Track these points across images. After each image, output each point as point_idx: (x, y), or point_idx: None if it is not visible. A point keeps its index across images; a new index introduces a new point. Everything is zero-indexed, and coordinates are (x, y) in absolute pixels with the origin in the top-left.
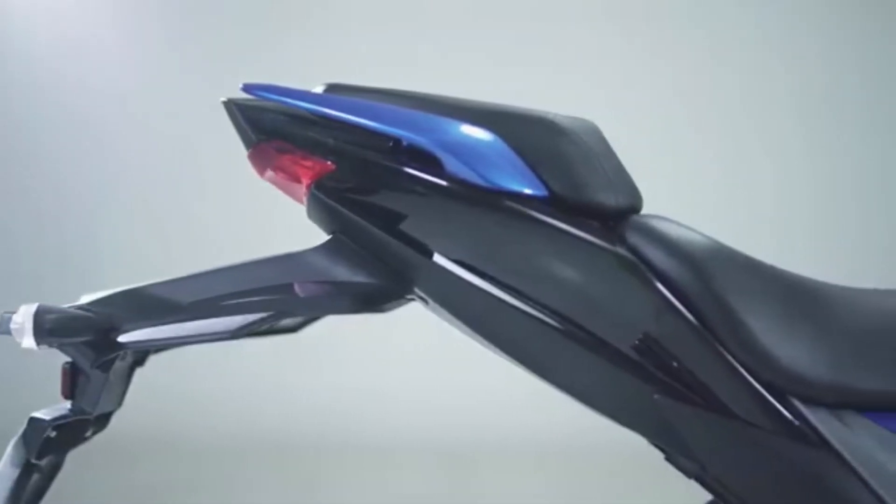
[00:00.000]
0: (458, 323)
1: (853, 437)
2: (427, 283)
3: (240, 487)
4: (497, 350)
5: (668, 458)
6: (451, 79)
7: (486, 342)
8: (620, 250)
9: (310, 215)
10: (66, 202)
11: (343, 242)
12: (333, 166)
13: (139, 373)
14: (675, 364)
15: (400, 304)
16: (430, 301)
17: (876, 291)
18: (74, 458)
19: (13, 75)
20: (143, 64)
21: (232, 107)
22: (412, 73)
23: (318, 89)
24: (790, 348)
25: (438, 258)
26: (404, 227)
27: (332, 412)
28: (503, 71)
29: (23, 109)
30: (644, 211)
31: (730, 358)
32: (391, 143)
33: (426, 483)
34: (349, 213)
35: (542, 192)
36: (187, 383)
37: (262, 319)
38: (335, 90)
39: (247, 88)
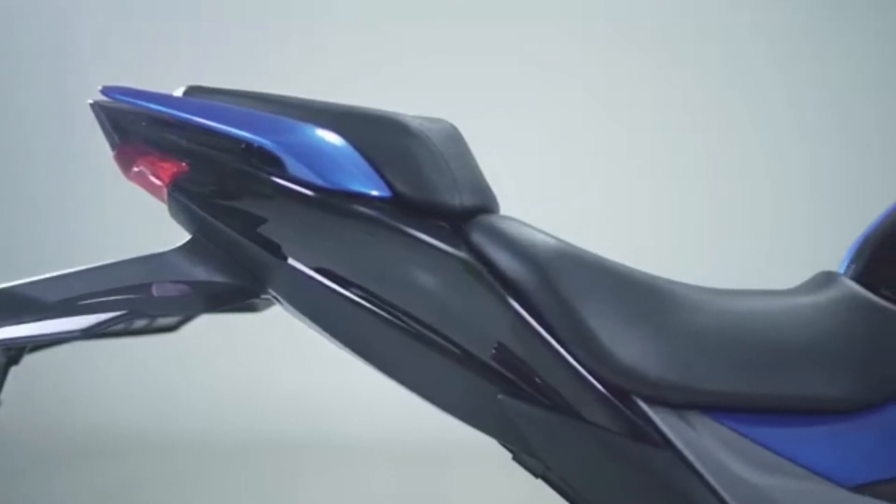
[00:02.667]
0: (309, 323)
1: (696, 437)
2: (278, 283)
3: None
4: (347, 350)
5: (515, 458)
6: (450, 78)
7: (336, 342)
8: (458, 252)
9: (172, 215)
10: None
11: (202, 243)
12: (188, 168)
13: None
14: (517, 365)
15: (269, 304)
16: (282, 301)
17: (727, 292)
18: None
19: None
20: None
21: (97, 109)
22: (412, 72)
23: (179, 92)
24: (633, 348)
25: (288, 259)
26: (254, 228)
27: (308, 412)
28: (502, 71)
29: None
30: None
31: (570, 359)
32: (243, 146)
33: (401, 483)
34: (204, 213)
35: (385, 192)
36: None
37: (115, 319)
38: (193, 93)
39: (105, 91)
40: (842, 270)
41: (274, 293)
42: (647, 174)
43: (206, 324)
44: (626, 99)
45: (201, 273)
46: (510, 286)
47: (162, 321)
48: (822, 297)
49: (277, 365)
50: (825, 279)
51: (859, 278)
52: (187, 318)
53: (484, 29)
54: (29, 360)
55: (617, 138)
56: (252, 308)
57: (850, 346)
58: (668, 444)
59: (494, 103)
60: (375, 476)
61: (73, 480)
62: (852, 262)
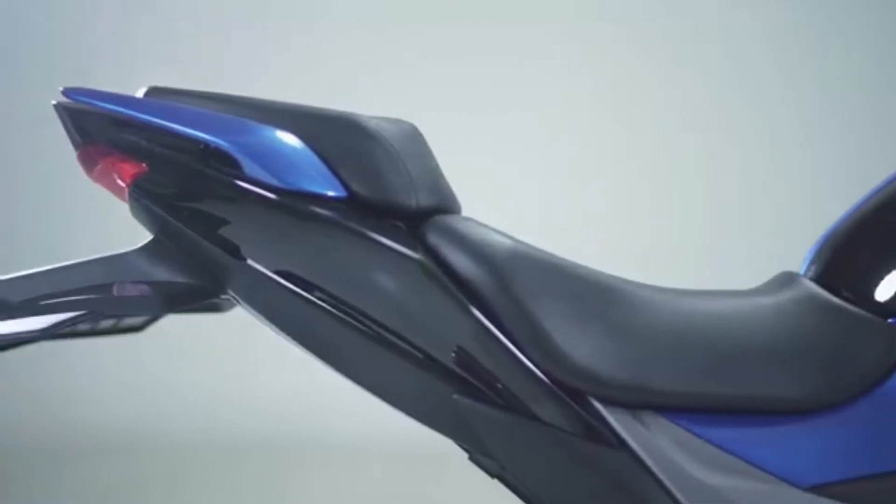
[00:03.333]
0: (268, 324)
1: (650, 438)
2: (237, 284)
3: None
4: (305, 351)
5: (471, 458)
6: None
7: (294, 343)
8: (413, 252)
9: (133, 215)
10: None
11: (162, 243)
12: (148, 168)
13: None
14: (471, 365)
15: (233, 304)
16: (241, 301)
17: (685, 292)
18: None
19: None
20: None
21: (59, 110)
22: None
23: (140, 93)
24: (588, 349)
25: (247, 260)
26: (213, 228)
27: (304, 411)
28: (499, 71)
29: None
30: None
31: (524, 359)
32: (202, 147)
33: (397, 483)
34: (164, 214)
35: (341, 193)
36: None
37: (75, 319)
38: (154, 94)
39: (66, 93)
40: (802, 271)
41: (233, 293)
42: (647, 174)
43: (204, 323)
44: (625, 99)
45: (162, 273)
46: (464, 286)
47: (128, 321)
48: (780, 298)
49: (274, 364)
50: (785, 279)
51: (819, 279)
52: (154, 318)
53: (481, 29)
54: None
55: (616, 138)
56: (216, 308)
57: (806, 347)
58: (622, 444)
59: (492, 103)
60: (371, 476)
61: (65, 480)
62: (812, 262)
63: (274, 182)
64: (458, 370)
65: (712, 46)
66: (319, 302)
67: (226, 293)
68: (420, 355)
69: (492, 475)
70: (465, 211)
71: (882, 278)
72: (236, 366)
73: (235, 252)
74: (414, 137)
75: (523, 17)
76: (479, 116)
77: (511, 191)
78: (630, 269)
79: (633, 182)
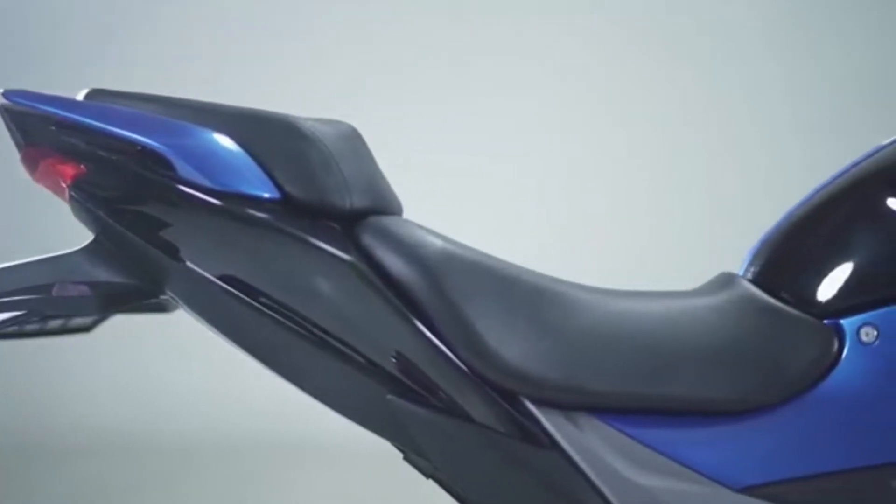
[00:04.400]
0: (206, 325)
1: (582, 438)
2: (175, 284)
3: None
4: (244, 352)
5: (406, 458)
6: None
7: (233, 345)
8: (345, 253)
9: (75, 216)
10: None
11: (103, 244)
12: (87, 170)
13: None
14: (404, 366)
15: (173, 305)
16: (179, 302)
17: (621, 292)
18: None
19: None
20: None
21: (2, 111)
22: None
23: (80, 95)
24: (520, 349)
25: (184, 261)
26: (150, 230)
27: (293, 411)
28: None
29: None
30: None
31: (456, 360)
32: (139, 149)
33: (392, 485)
34: (103, 215)
35: (275, 194)
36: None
37: (14, 319)
38: (95, 96)
39: (6, 94)
40: (741, 272)
41: (172, 294)
42: (645, 171)
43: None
44: (622, 95)
45: (101, 274)
46: (397, 287)
47: (77, 321)
48: (717, 299)
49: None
50: (724, 281)
51: (757, 280)
52: (101, 319)
53: (476, 28)
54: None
55: (613, 136)
56: (161, 308)
57: (740, 348)
58: (554, 444)
59: (486, 102)
60: (369, 476)
61: (60, 479)
62: (751, 264)
63: (208, 184)
64: (390, 371)
65: (708, 41)
66: (255, 304)
67: (165, 294)
68: (354, 356)
69: (426, 475)
70: (463, 210)
71: (818, 280)
72: (234, 365)
73: (173, 253)
74: (351, 139)
75: (517, 13)
76: (474, 116)
77: (507, 190)
78: (628, 267)
79: (630, 179)
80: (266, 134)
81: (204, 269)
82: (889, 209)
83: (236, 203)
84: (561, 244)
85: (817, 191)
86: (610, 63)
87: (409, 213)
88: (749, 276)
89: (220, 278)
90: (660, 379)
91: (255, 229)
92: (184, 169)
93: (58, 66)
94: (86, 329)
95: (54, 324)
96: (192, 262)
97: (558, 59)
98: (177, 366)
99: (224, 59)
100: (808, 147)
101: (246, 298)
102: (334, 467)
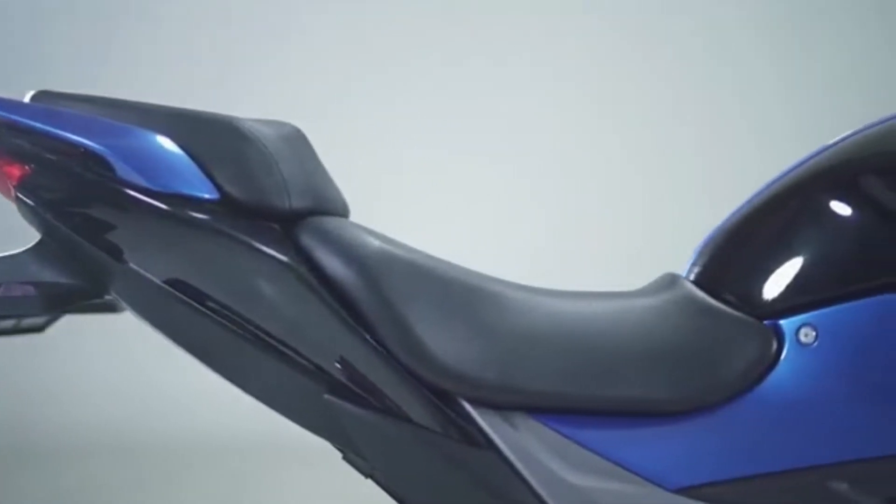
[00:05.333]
0: (148, 325)
1: (519, 439)
2: (118, 285)
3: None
4: (187, 353)
5: (345, 458)
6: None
7: (176, 345)
8: (282, 254)
9: (22, 216)
10: None
11: (49, 244)
12: (31, 171)
13: None
14: (341, 367)
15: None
16: (123, 303)
17: (562, 293)
18: None
19: None
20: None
21: None
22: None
23: (27, 97)
24: (457, 350)
25: (126, 262)
26: (93, 231)
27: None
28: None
29: None
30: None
31: (393, 360)
32: (81, 150)
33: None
34: (48, 215)
35: (214, 195)
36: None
37: None
38: (41, 97)
39: None
40: (685, 273)
41: (116, 295)
42: (639, 170)
43: None
44: (614, 94)
45: (47, 274)
46: (334, 288)
47: (29, 321)
48: (658, 300)
49: None
50: (668, 281)
51: (699, 281)
52: (53, 319)
53: (468, 27)
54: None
55: (606, 134)
56: (110, 308)
57: (679, 349)
58: (490, 445)
59: (480, 102)
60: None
61: (52, 480)
62: (694, 264)
63: (147, 185)
64: (329, 372)
65: (703, 40)
66: (195, 304)
67: (109, 294)
68: (293, 356)
69: (365, 475)
70: (460, 210)
71: (758, 280)
72: None
73: (117, 254)
74: (293, 140)
75: (511, 13)
76: (468, 115)
77: (502, 190)
78: (622, 266)
79: (625, 179)
80: (206, 135)
81: (145, 270)
82: (828, 210)
83: (176, 204)
84: (556, 245)
85: (760, 191)
86: (603, 63)
87: (404, 213)
88: (692, 276)
89: (161, 279)
90: (597, 379)
91: (194, 230)
92: (123, 170)
93: (60, 66)
94: (38, 329)
95: (6, 324)
96: (135, 262)
97: (551, 60)
98: (170, 365)
99: (224, 59)
100: (803, 147)
101: (186, 299)
102: (330, 468)
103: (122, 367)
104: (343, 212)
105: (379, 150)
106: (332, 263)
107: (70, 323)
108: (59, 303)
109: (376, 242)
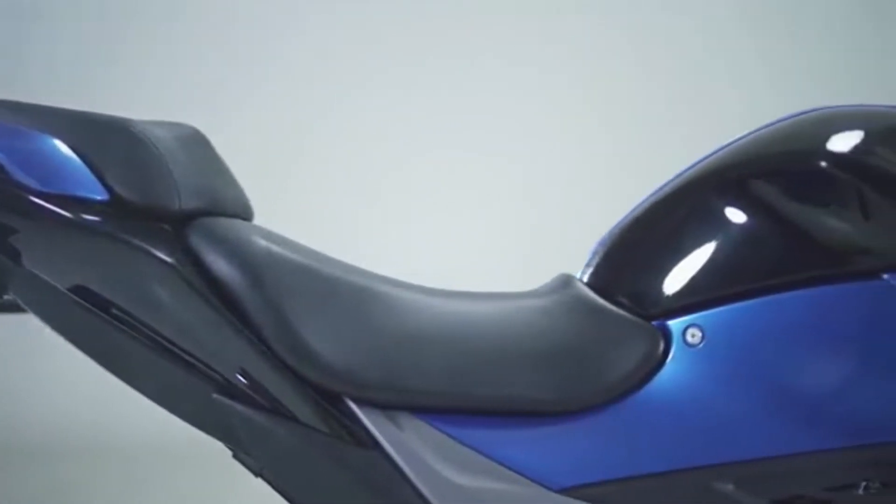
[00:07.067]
0: (46, 325)
1: (404, 439)
2: (15, 286)
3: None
4: (83, 353)
5: (235, 456)
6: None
7: (72, 345)
8: (169, 255)
9: None
10: None
11: None
12: None
13: None
14: (227, 366)
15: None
16: (20, 302)
17: (453, 293)
18: None
19: None
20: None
21: None
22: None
23: None
24: (341, 350)
25: (22, 263)
26: None
27: None
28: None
29: None
30: None
31: (278, 360)
32: None
33: None
34: None
35: (104, 196)
36: None
37: None
38: None
39: None
40: (579, 273)
41: (14, 296)
42: (630, 170)
43: None
44: (606, 92)
45: None
46: (219, 288)
47: None
48: (547, 300)
49: None
50: (561, 282)
51: (591, 281)
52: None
53: (460, 27)
54: None
55: (600, 134)
56: (15, 308)
57: (566, 349)
58: (375, 444)
59: (473, 101)
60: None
61: (17, 481)
62: (587, 265)
63: (40, 187)
64: (216, 371)
65: (700, 39)
66: (87, 305)
67: (8, 294)
68: (183, 357)
69: (255, 474)
70: (458, 209)
71: (647, 281)
72: None
73: (10, 254)
74: (189, 141)
75: (500, 12)
76: (459, 115)
77: (496, 190)
78: None
79: (616, 179)
80: (97, 136)
81: (40, 272)
82: (716, 211)
83: (66, 206)
84: (553, 244)
85: (654, 192)
86: (596, 62)
87: (399, 213)
88: (585, 277)
89: (54, 281)
90: (482, 379)
91: (84, 231)
92: (14, 172)
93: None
94: None
95: None
96: (29, 264)
97: (546, 60)
98: None
99: (227, 59)
100: None
101: (80, 301)
102: None
103: (86, 369)
104: (243, 213)
105: (379, 150)
106: (218, 264)
107: None
108: None
109: (262, 243)
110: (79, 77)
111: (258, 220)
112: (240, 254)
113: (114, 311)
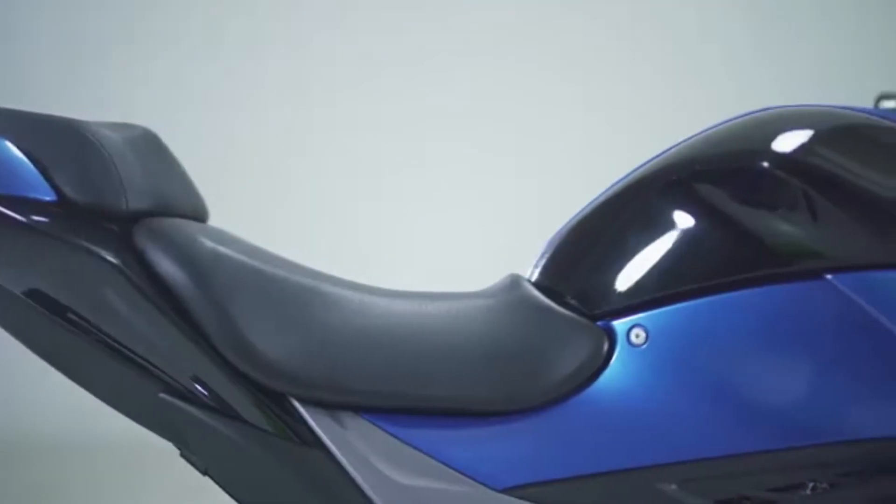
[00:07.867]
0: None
1: (347, 438)
2: None
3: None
4: (34, 353)
5: (182, 455)
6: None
7: (24, 345)
8: (111, 255)
9: None
10: None
11: None
12: None
13: None
14: (172, 365)
15: None
16: None
17: (395, 293)
18: None
19: None
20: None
21: None
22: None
23: None
24: (286, 349)
25: None
26: None
27: None
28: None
29: None
30: None
31: (221, 359)
32: None
33: None
34: None
35: (51, 196)
36: None
37: None
38: None
39: None
40: (528, 273)
41: None
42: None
43: None
44: (605, 94)
45: None
46: (163, 287)
47: None
48: (493, 300)
49: None
50: (510, 282)
51: (539, 281)
52: None
53: (454, 26)
54: None
55: (597, 135)
56: None
57: (510, 349)
58: (319, 444)
59: (468, 100)
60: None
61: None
62: (535, 265)
63: None
64: (162, 370)
65: (697, 39)
66: (34, 304)
67: None
68: (128, 355)
69: (202, 472)
70: (458, 209)
71: (593, 281)
72: None
73: None
74: (139, 142)
75: (500, 11)
76: (468, 114)
77: (490, 190)
78: None
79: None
80: (46, 137)
81: None
82: (662, 211)
83: (15, 207)
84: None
85: (603, 192)
86: (597, 62)
87: (397, 212)
88: (533, 277)
89: (1, 280)
90: (425, 379)
91: (32, 232)
92: None
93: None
94: None
95: None
96: None
97: (546, 60)
98: None
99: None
100: None
101: (27, 300)
102: None
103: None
104: (194, 214)
105: (379, 150)
106: (164, 264)
107: None
108: None
109: (208, 243)
110: (75, 77)
111: (258, 219)
112: (185, 254)
113: (61, 310)
